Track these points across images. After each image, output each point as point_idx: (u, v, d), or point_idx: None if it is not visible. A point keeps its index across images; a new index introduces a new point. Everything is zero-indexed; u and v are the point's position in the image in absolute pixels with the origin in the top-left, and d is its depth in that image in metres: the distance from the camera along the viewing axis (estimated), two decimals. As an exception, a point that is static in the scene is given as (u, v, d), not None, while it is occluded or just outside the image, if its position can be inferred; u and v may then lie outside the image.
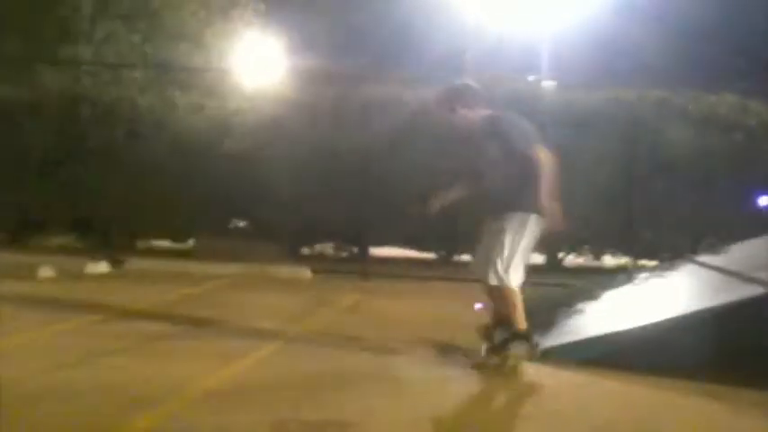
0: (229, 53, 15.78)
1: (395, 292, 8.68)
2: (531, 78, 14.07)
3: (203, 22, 15.19)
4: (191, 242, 11.53)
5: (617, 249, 11.16)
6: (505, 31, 16.30)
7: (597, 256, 11.20)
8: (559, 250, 11.13)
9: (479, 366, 4.69)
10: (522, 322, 4.63)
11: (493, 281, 4.62)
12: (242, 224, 11.74)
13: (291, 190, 10.34)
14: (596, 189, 9.94)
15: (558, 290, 8.18)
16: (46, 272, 8.31)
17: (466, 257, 9.58)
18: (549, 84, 13.62)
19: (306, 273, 9.69)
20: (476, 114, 4.83)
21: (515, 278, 4.62)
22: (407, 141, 10.28)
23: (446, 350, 5.15)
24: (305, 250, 11.54)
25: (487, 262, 4.64)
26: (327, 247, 11.60)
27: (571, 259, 11.43)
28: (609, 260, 11.39)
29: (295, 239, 11.22)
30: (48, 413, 3.45)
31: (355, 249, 11.32)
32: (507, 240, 4.59)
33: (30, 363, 4.39)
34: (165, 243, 11.88)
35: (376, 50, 13.89)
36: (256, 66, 15.57)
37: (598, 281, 8.46)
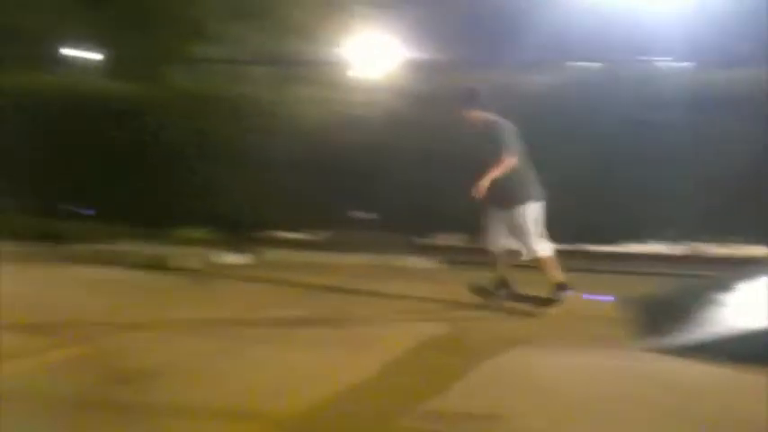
0: (350, 46, 15.94)
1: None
2: (661, 59, 13.43)
3: (325, 17, 15.40)
4: (320, 234, 11.78)
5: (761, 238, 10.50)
6: (631, 10, 15.59)
7: (738, 246, 10.59)
8: (699, 239, 10.60)
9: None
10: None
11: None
12: (369, 215, 11.86)
13: (416, 180, 10.36)
14: (738, 175, 9.39)
15: (698, 280, 7.81)
16: (186, 262, 8.71)
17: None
18: (681, 65, 12.96)
19: (433, 264, 9.70)
20: (476, 116, 6.21)
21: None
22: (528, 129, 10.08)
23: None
24: (432, 241, 11.53)
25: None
26: (455, 238, 11.53)
27: (709, 248, 10.86)
28: (753, 250, 10.76)
29: (422, 230, 11.24)
30: (171, 402, 3.56)
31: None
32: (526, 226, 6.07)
33: (168, 352, 4.58)
34: (295, 235, 12.18)
35: (491, 36, 13.60)
36: (377, 57, 15.66)
37: (741, 271, 8.01)
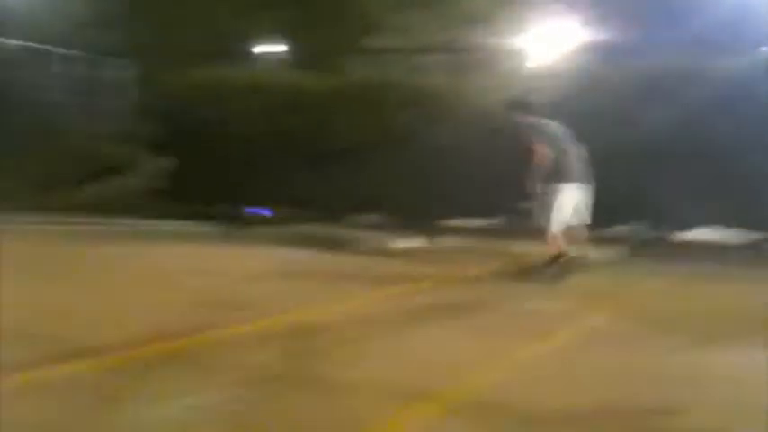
0: (525, 31, 15.70)
1: (714, 276, 7.81)
2: None
3: (500, 2, 15.26)
4: (491, 221, 11.76)
5: None
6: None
7: None
8: None
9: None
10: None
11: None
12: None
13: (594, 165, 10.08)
14: None
15: None
16: (366, 245, 9.09)
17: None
18: None
19: (611, 254, 9.42)
20: (524, 120, 7.22)
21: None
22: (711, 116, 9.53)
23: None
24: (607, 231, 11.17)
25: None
26: (627, 229, 11.12)
27: None
28: None
29: (600, 219, 10.90)
30: (350, 378, 3.73)
31: (664, 231, 10.72)
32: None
33: (347, 329, 4.80)
34: (469, 222, 12.23)
35: (674, 17, 12.82)
36: (553, 41, 15.31)
37: None
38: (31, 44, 14.98)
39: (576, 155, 7.20)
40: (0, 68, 14.32)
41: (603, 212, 10.46)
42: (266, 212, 10.60)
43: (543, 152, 6.90)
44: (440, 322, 5.17)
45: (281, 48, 16.25)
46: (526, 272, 7.30)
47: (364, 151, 11.38)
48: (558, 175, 6.98)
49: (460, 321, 5.29)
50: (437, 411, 3.24)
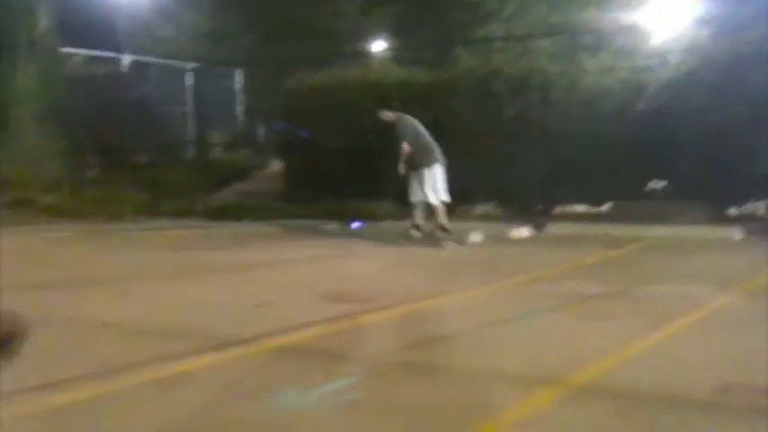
0: (637, 10, 15.18)
1: None
2: None
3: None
4: (605, 206, 11.49)
5: None
6: None
7: None
8: None
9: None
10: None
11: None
12: (660, 185, 11.30)
13: (712, 145, 9.66)
14: None
15: None
16: (476, 237, 9.02)
17: None
18: None
19: (736, 234, 9.00)
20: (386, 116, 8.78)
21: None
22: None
23: None
24: (733, 211, 10.68)
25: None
26: (761, 207, 10.56)
27: None
28: None
29: (722, 199, 10.45)
30: (472, 366, 3.72)
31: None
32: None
33: (465, 319, 4.82)
34: (583, 208, 12.00)
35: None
36: (666, 19, 14.73)
37: None
38: (153, 59, 15.82)
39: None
40: (123, 83, 15.22)
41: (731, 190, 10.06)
42: (360, 224, 10.73)
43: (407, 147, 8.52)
44: (560, 309, 5.09)
45: (389, 45, 16.43)
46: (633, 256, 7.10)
47: (476, 142, 11.34)
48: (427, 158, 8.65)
49: (580, 308, 5.20)
50: (561, 397, 3.21)
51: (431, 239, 8.65)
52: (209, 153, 15.12)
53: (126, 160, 14.15)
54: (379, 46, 16.65)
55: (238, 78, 16.65)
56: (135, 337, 4.23)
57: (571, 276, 6.50)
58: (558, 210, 11.79)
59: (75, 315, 4.72)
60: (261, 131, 16.72)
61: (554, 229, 10.01)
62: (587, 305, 5.30)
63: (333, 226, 10.46)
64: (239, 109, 16.62)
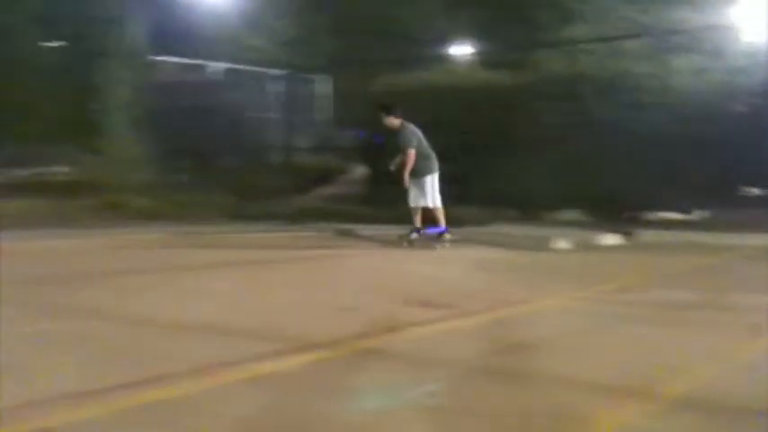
0: (731, 9, 14.63)
1: None
2: None
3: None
4: (696, 213, 11.11)
5: None
6: None
7: None
8: None
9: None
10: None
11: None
12: (757, 191, 10.85)
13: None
14: None
15: None
16: (561, 243, 8.86)
17: None
18: None
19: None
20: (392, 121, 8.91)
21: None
22: None
23: None
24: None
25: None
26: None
27: None
28: None
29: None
30: (558, 374, 3.65)
31: None
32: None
33: (550, 327, 4.74)
34: (673, 215, 11.65)
35: None
36: (758, 19, 14.13)
37: None
38: (237, 66, 16.21)
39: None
40: (210, 90, 15.66)
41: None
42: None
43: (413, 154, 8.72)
44: (648, 319, 4.95)
45: (471, 47, 16.34)
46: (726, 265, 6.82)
47: (561, 145, 11.17)
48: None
49: (670, 317, 5.04)
50: (651, 409, 3.12)
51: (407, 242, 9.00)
52: (294, 157, 15.36)
53: (214, 164, 14.54)
54: (461, 48, 16.59)
55: (323, 83, 16.88)
56: (222, 336, 4.33)
57: (661, 285, 6.32)
58: (648, 216, 11.47)
59: (159, 314, 4.87)
60: (345, 135, 16.90)
61: (644, 236, 9.74)
62: (677, 315, 5.14)
63: (412, 230, 10.47)
64: (323, 113, 16.85)
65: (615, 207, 11.15)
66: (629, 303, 5.47)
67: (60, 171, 13.52)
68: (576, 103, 11.38)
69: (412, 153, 8.72)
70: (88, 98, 13.62)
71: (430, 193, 8.87)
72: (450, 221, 10.66)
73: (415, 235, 9.02)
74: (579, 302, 5.65)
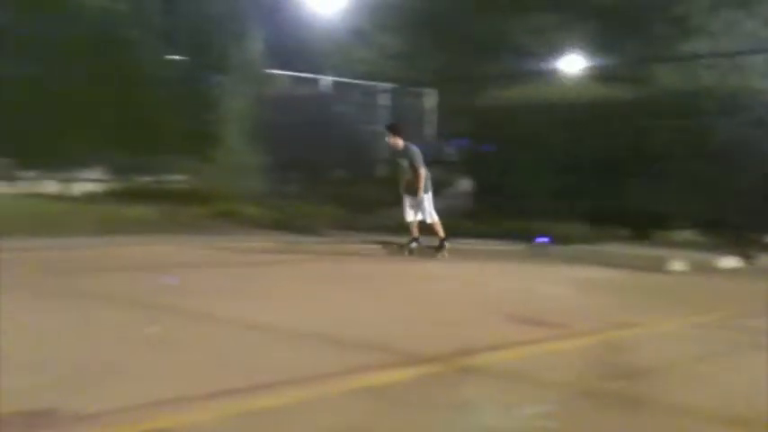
0: None
1: None
2: None
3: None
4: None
5: None
6: None
7: None
8: None
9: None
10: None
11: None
12: None
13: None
14: None
15: None
16: (676, 265, 8.49)
17: None
18: None
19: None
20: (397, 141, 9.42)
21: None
22: None
23: None
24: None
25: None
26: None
27: None
28: None
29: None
30: (672, 402, 3.48)
31: None
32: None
33: (665, 352, 4.53)
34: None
35: None
36: None
37: None
38: (347, 79, 16.46)
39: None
40: (320, 102, 15.96)
41: None
42: (548, 241, 10.39)
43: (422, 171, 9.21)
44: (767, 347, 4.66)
45: (583, 61, 15.99)
46: None
47: (677, 163, 10.72)
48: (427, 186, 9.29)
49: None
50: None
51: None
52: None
53: (323, 176, 14.78)
54: (573, 62, 16.24)
55: (430, 97, 16.89)
56: (326, 346, 4.37)
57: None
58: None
59: (271, 322, 4.95)
60: (450, 149, 16.85)
61: (764, 260, 9.21)
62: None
63: (519, 246, 10.30)
64: (430, 127, 16.85)
65: (734, 228, 10.59)
66: (749, 330, 5.16)
67: (176, 180, 14.09)
68: (694, 120, 10.91)
69: (423, 171, 9.17)
70: (205, 110, 14.17)
71: (428, 209, 9.27)
72: (558, 239, 10.43)
73: (414, 245, 9.37)
74: (696, 328, 5.39)
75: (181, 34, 15.01)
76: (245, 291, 6.32)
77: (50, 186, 13.39)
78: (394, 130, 9.64)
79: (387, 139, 9.62)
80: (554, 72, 15.70)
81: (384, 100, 16.39)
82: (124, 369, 3.69)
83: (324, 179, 14.70)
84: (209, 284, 6.69)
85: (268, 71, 15.02)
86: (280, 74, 15.73)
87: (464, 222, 12.01)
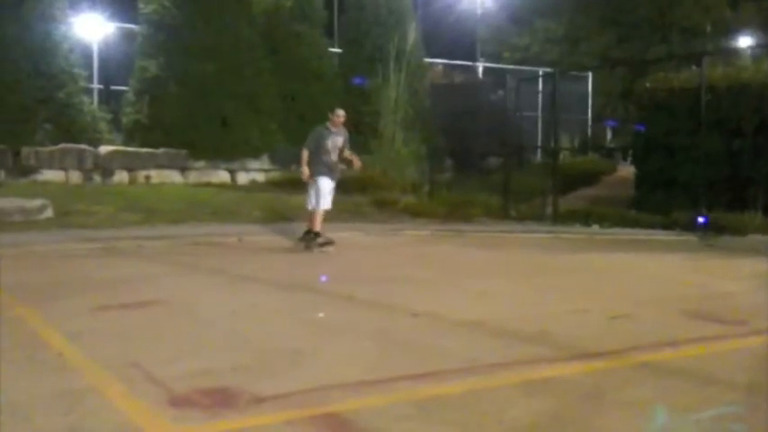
0: None
1: None
2: None
3: None
4: None
5: None
6: None
7: None
8: None
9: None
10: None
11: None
12: None
13: None
14: None
15: None
16: None
17: None
18: None
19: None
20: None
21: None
22: None
23: None
24: None
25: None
26: None
27: None
28: None
29: None
30: None
31: None
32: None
33: None
34: None
35: None
36: None
37: None
38: (504, 66, 16.30)
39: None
40: (477, 90, 15.88)
41: None
42: (704, 221, 9.69)
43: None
44: None
45: (757, 40, 14.95)
46: None
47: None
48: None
49: None
50: None
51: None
52: (558, 157, 15.11)
53: (479, 164, 14.70)
54: (745, 42, 15.23)
55: (590, 82, 16.40)
56: (496, 337, 4.37)
57: None
58: None
59: (437, 310, 5.02)
60: (610, 135, 16.30)
61: None
62: None
63: (688, 236, 9.77)
64: (589, 113, 16.37)
65: None
66: None
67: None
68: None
69: (304, 153, 8.36)
70: (362, 100, 14.50)
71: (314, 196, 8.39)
72: (732, 230, 9.78)
73: (311, 236, 8.40)
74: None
75: (341, 28, 15.43)
76: (415, 280, 6.44)
77: (218, 176, 14.23)
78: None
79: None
80: (726, 52, 14.77)
81: (543, 85, 16.08)
82: (298, 353, 3.88)
83: (479, 167, 14.63)
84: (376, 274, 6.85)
85: (425, 60, 15.15)
86: (437, 62, 15.82)
87: (627, 211, 11.57)
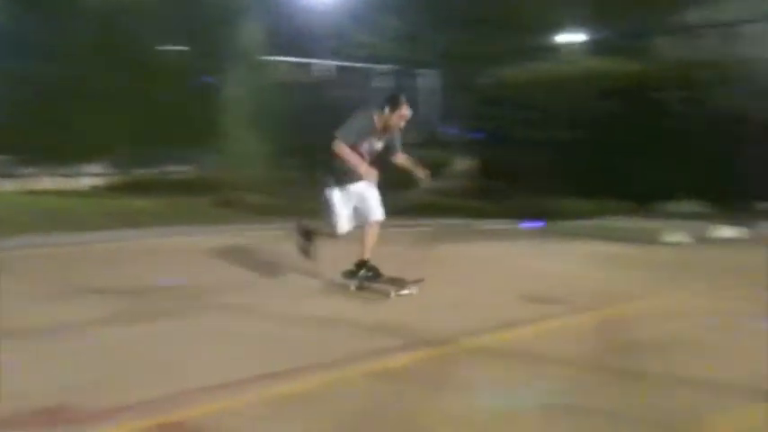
0: None
1: None
2: None
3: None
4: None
5: None
6: None
7: None
8: None
9: None
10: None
11: None
12: None
13: None
14: None
15: None
16: (674, 236, 8.56)
17: None
18: None
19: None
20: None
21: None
22: None
23: None
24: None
25: None
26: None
27: None
28: None
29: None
30: (680, 374, 3.63)
31: None
32: None
33: (670, 324, 4.68)
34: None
35: None
36: None
37: None
38: (352, 63, 16.52)
39: None
40: (321, 87, 16.01)
41: None
42: (540, 225, 10.42)
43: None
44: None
45: (581, 36, 16.02)
46: None
47: (677, 135, 10.77)
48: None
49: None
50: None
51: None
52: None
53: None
54: (572, 37, 16.26)
55: (430, 78, 16.94)
56: (362, 331, 4.51)
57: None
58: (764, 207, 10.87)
59: (286, 310, 5.10)
60: (452, 130, 16.92)
61: (763, 228, 9.28)
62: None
63: (516, 225, 10.35)
64: (431, 108, 16.90)
65: (733, 198, 10.65)
66: (754, 300, 5.24)
67: (181, 170, 14.21)
68: (693, 91, 10.93)
69: None
70: (205, 99, 14.21)
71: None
72: (557, 214, 10.50)
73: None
74: (700, 299, 5.50)
75: (177, 23, 15.01)
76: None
77: (50, 182, 13.45)
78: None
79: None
80: (555, 48, 15.74)
81: (385, 82, 16.47)
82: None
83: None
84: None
85: (268, 57, 15.03)
86: (280, 60, 15.76)
87: (470, 203, 12.10)
